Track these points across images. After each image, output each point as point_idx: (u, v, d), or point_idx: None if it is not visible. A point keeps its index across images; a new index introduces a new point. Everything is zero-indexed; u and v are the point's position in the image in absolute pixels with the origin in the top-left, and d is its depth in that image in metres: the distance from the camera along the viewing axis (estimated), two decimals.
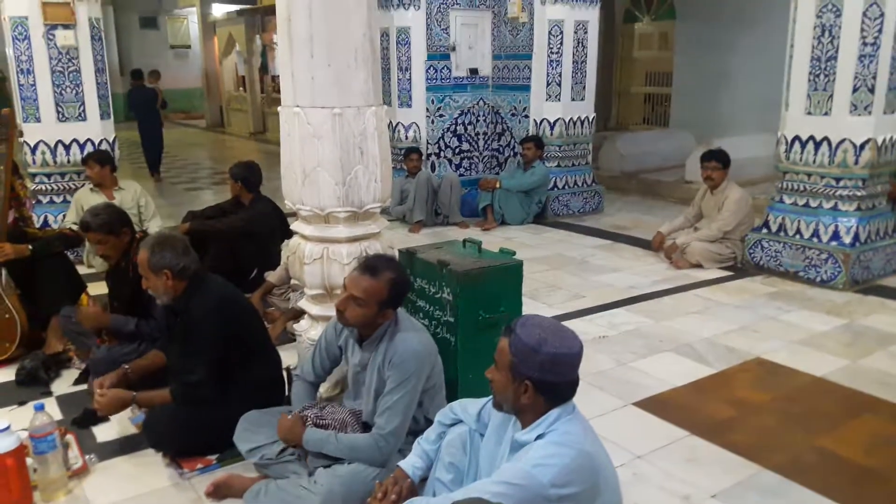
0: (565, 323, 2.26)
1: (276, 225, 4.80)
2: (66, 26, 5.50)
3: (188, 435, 2.77)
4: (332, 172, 2.81)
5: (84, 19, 5.60)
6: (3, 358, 3.73)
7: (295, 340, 3.47)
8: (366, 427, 2.52)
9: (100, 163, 5.27)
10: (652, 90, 12.03)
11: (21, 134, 5.74)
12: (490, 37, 7.71)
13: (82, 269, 4.72)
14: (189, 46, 20.57)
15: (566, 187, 7.44)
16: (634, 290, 4.98)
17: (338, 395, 2.91)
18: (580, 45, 7.21)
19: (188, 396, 2.74)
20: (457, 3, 7.43)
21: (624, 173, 9.23)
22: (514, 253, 3.08)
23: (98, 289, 4.10)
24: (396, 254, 3.17)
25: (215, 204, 5.16)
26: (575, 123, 7.37)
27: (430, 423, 2.52)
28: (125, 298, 3.51)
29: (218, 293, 2.83)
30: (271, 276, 4.45)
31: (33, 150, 5.63)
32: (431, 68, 7.43)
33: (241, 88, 17.52)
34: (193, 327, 2.75)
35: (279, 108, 2.97)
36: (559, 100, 7.24)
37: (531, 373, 1.74)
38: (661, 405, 3.28)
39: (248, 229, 4.64)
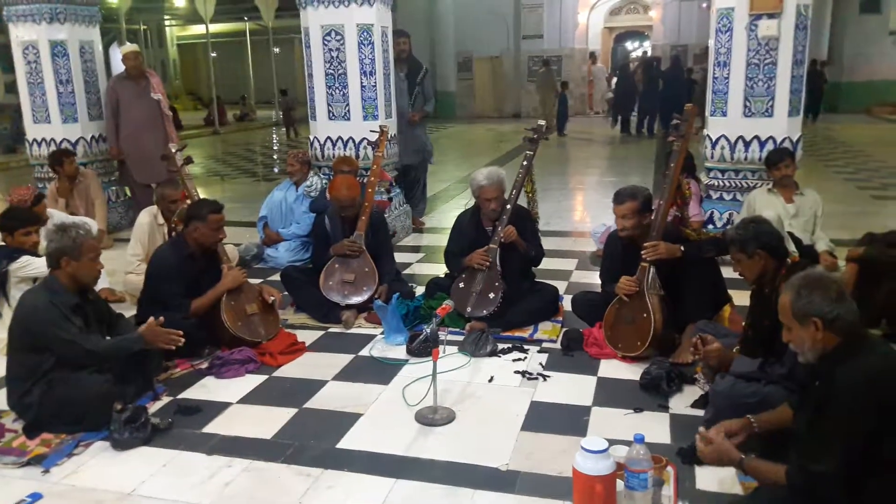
0: None
1: None
2: (770, 16, 5.16)
3: None
4: None
5: (791, 7, 5.14)
6: (632, 355, 3.73)
7: None
8: None
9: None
10: None
11: (701, 128, 5.74)
12: None
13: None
14: None
15: None
16: None
17: None
18: None
19: (807, 488, 2.10)
20: None
21: None
22: None
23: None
24: None
25: None
26: None
27: None
28: (761, 329, 3.01)
29: (877, 362, 2.12)
30: None
31: (713, 144, 5.54)
32: None
33: None
34: (833, 400, 2.11)
35: None
36: None
37: None
38: None
39: None
